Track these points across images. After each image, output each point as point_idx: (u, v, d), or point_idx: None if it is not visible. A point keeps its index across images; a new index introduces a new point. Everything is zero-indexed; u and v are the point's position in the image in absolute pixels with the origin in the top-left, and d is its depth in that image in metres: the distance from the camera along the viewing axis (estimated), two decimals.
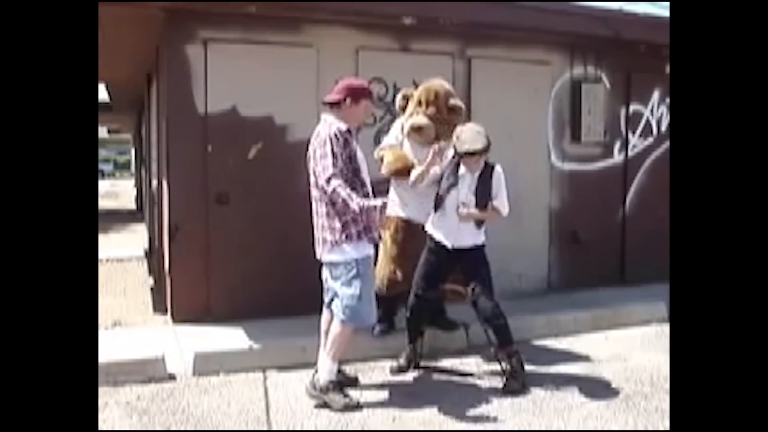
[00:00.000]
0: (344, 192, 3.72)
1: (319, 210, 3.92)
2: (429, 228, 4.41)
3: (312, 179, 3.95)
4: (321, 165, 3.80)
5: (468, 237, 4.27)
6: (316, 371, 4.01)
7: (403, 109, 4.78)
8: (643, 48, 6.56)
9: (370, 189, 3.98)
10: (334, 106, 3.98)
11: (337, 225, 3.83)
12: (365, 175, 3.96)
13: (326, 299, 4.09)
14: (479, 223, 4.28)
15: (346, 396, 3.91)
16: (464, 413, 3.82)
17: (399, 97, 4.84)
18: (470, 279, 4.29)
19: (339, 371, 4.10)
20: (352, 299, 3.84)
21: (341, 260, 3.86)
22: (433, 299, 4.49)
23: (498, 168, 4.31)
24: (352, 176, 3.83)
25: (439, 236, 4.34)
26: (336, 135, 3.81)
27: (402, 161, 4.59)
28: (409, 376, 4.43)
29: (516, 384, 4.16)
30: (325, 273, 4.01)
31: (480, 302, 4.24)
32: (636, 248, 6.77)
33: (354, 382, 4.22)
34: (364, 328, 4.12)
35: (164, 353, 4.41)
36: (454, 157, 4.29)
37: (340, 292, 3.89)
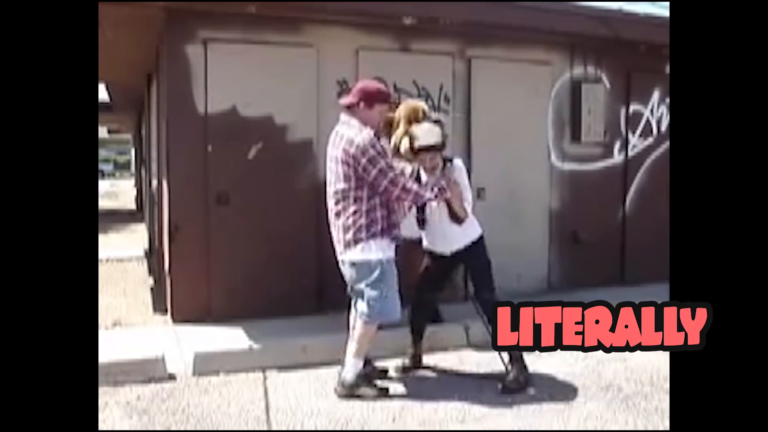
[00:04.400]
0: (414, 192, 3.94)
1: (344, 209, 3.91)
2: (424, 241, 4.42)
3: (330, 178, 3.97)
4: (377, 168, 3.82)
5: (459, 239, 4.24)
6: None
7: (388, 134, 4.76)
8: (643, 48, 6.55)
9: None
10: (348, 107, 3.98)
11: (363, 222, 3.86)
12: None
13: (353, 298, 4.11)
14: (458, 221, 4.19)
15: (375, 386, 4.00)
16: (464, 413, 3.82)
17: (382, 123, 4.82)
18: (471, 275, 4.32)
19: (370, 365, 4.20)
20: (378, 300, 3.90)
21: (366, 260, 3.90)
22: (433, 300, 4.53)
23: (456, 162, 4.27)
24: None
25: (431, 246, 4.37)
26: (370, 138, 3.84)
27: None
28: (411, 375, 4.43)
29: (515, 382, 4.15)
30: (349, 272, 4.01)
31: (480, 295, 4.25)
32: (636, 248, 6.77)
33: (383, 375, 4.30)
34: (388, 323, 4.12)
35: (164, 353, 4.41)
36: (412, 170, 4.29)
37: (365, 292, 3.93)
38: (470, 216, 4.24)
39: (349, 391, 3.97)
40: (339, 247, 4.01)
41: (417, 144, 4.12)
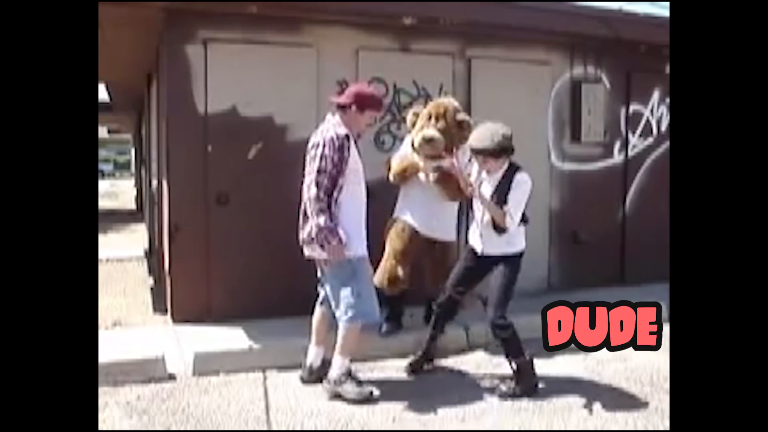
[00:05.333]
0: (315, 206, 3.80)
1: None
2: (470, 234, 4.40)
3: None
4: (309, 167, 3.89)
5: (494, 245, 4.18)
6: (320, 365, 4.10)
7: (414, 124, 4.83)
8: (643, 48, 6.55)
9: (364, 195, 4.02)
10: (339, 108, 4.01)
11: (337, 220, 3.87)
12: (359, 182, 3.97)
13: (321, 296, 4.19)
14: (500, 230, 4.11)
15: (359, 385, 3.97)
16: (464, 413, 3.82)
17: (410, 114, 4.91)
18: (490, 286, 4.22)
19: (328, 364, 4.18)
20: (352, 298, 3.88)
21: (335, 260, 3.89)
22: (460, 301, 4.46)
23: (520, 175, 4.13)
24: (337, 181, 3.83)
25: (471, 241, 4.36)
26: (333, 139, 3.83)
27: (405, 164, 4.72)
28: (412, 375, 4.44)
29: (510, 391, 4.09)
30: (321, 271, 4.06)
31: (488, 312, 4.18)
32: (636, 248, 6.77)
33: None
34: (370, 325, 4.13)
35: (164, 353, 4.41)
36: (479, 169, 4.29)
37: (339, 292, 3.92)
38: (516, 229, 4.13)
39: (332, 388, 3.97)
40: (308, 242, 3.97)
41: (470, 143, 4.16)
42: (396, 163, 4.78)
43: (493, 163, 4.13)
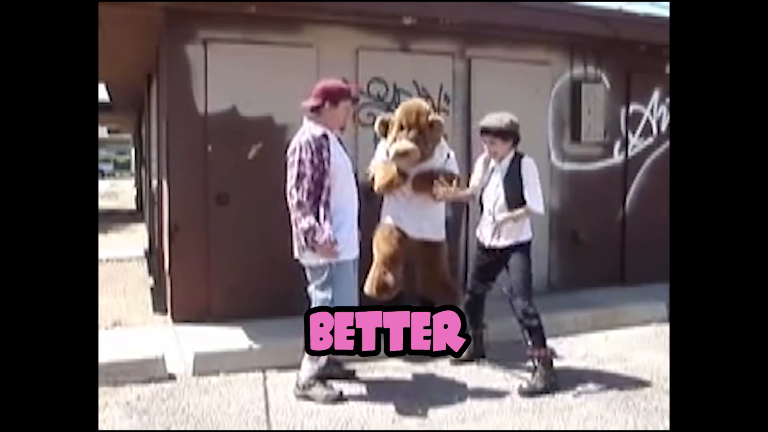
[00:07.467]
0: (298, 212, 3.81)
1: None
2: (477, 229, 4.49)
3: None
4: (288, 173, 3.85)
5: (505, 236, 4.26)
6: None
7: (384, 135, 4.73)
8: (643, 48, 6.56)
9: (354, 194, 3.99)
10: (313, 110, 3.93)
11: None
12: (346, 180, 3.92)
13: None
14: (518, 208, 4.21)
15: (327, 388, 3.96)
16: (464, 414, 3.82)
17: (377, 123, 4.76)
18: (510, 277, 4.29)
19: (337, 364, 4.20)
20: (324, 303, 3.85)
21: (314, 263, 3.91)
22: (484, 294, 4.56)
23: (527, 159, 4.27)
24: (323, 182, 3.79)
25: (481, 236, 4.42)
26: (308, 141, 3.80)
27: (390, 175, 4.61)
28: (409, 374, 4.44)
29: (532, 386, 4.11)
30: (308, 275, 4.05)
31: (515, 302, 4.23)
32: (636, 248, 6.77)
33: (351, 375, 4.29)
34: None
35: (164, 353, 4.41)
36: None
37: (313, 295, 3.94)
38: (524, 220, 4.27)
39: (303, 392, 3.96)
40: (299, 250, 3.98)
41: (479, 124, 4.31)
42: (379, 175, 4.64)
43: (501, 146, 4.24)
